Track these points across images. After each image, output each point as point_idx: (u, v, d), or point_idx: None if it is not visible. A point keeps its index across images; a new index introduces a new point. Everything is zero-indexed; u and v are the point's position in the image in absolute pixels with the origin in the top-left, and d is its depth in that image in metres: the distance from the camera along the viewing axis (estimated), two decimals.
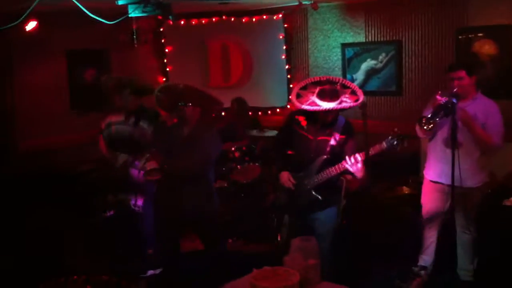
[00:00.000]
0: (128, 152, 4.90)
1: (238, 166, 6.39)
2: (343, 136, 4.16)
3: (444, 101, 4.21)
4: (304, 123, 4.25)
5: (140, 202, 5.02)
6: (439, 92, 4.32)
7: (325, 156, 4.14)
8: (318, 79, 4.16)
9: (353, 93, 4.03)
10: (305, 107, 4.01)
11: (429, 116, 4.27)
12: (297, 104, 4.06)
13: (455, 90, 4.29)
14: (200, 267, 4.61)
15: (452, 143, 4.02)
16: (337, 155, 4.13)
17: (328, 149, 4.15)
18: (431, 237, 4.74)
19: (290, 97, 4.26)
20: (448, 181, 4.48)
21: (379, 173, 5.78)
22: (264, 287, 3.07)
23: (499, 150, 4.47)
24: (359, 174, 4.00)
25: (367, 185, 4.74)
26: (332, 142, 4.15)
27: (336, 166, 4.07)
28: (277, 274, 3.21)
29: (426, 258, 4.76)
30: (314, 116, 4.18)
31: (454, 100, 4.08)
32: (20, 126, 6.72)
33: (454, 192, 4.12)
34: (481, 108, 4.38)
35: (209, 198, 4.47)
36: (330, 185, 4.24)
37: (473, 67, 4.50)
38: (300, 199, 4.27)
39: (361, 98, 3.98)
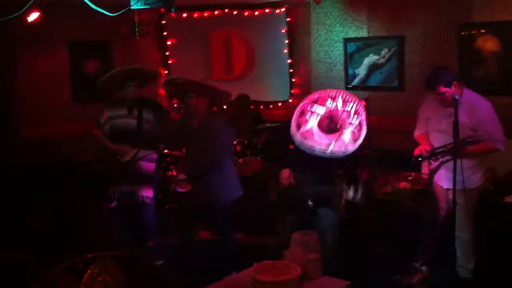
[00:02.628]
0: (134, 146, 4.84)
1: (240, 160, 6.39)
2: None
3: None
4: None
5: (150, 193, 5.00)
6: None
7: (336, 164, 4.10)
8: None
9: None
10: (299, 141, 3.85)
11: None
12: (295, 133, 3.89)
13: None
14: (210, 258, 4.66)
15: (454, 147, 4.00)
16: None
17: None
18: (430, 237, 4.76)
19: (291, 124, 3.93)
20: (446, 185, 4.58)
21: (380, 168, 5.81)
22: (265, 281, 3.07)
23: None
24: None
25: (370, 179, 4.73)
26: None
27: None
28: (278, 268, 3.21)
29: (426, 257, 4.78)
30: None
31: (457, 97, 4.04)
32: (23, 115, 6.71)
33: (455, 193, 4.12)
34: (467, 112, 4.26)
35: (232, 185, 4.67)
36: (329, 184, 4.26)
37: (448, 77, 4.36)
38: (298, 198, 4.28)
39: (363, 134, 3.81)
